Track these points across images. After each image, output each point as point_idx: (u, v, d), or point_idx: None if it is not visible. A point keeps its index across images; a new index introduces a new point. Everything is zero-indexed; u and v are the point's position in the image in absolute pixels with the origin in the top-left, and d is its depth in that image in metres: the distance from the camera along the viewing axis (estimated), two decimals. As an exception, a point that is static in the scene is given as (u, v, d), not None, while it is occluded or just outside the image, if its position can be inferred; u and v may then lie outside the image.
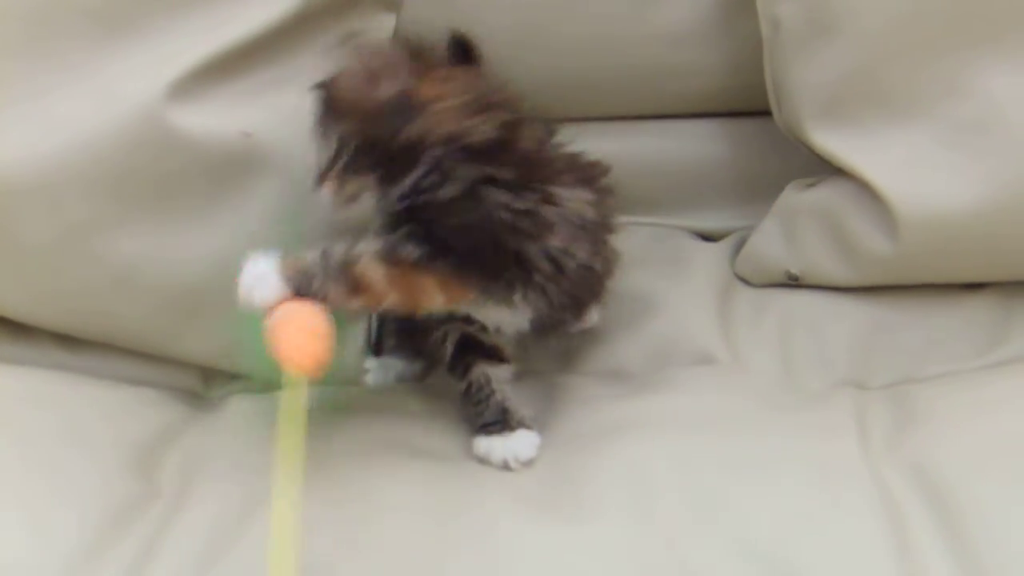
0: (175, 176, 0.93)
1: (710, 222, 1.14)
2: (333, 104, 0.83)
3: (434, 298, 0.83)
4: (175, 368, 1.01)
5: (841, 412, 0.91)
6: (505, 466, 0.87)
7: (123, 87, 0.92)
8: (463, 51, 0.98)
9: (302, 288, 0.79)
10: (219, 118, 0.93)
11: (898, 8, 0.94)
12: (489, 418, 0.90)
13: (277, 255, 0.80)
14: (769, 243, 1.06)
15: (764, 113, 1.06)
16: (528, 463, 0.87)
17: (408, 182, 0.81)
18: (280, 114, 0.95)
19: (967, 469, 0.82)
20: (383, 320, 1.04)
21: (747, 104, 1.10)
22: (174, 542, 0.81)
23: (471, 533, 0.79)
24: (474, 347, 0.92)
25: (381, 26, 1.03)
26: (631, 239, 1.09)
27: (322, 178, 0.84)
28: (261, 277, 0.80)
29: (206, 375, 1.02)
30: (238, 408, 0.97)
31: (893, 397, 0.94)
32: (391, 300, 0.82)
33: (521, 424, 0.89)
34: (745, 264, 1.08)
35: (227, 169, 0.94)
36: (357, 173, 0.83)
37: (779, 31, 1.00)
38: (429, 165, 0.80)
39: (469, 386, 0.91)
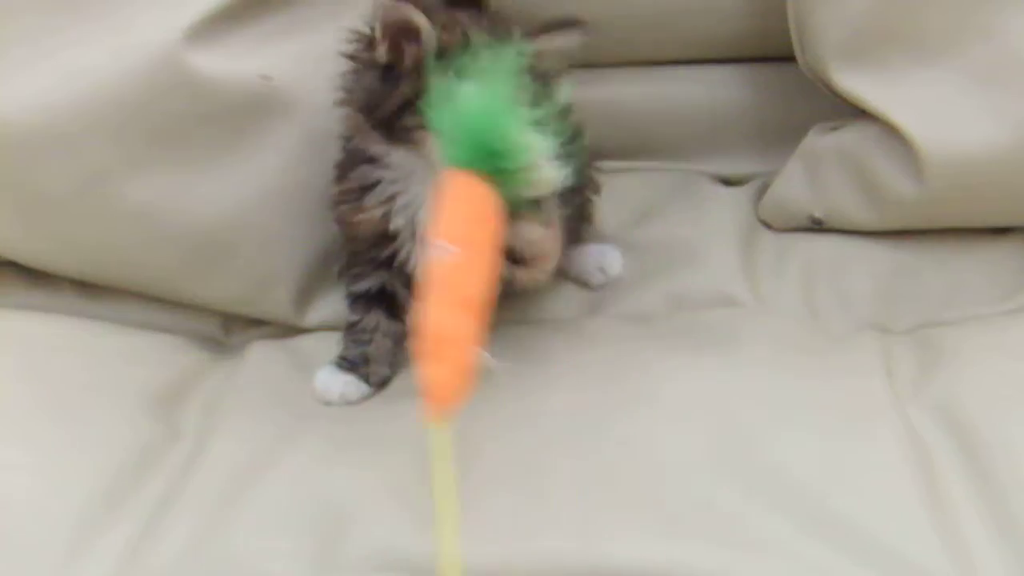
0: (194, 120, 0.93)
1: (733, 167, 1.13)
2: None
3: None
4: (195, 314, 1.01)
5: (867, 354, 0.91)
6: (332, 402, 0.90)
7: (140, 32, 0.91)
8: None
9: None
10: (238, 61, 0.93)
11: (925, -53, 0.93)
12: (349, 355, 0.92)
13: None
14: (792, 187, 1.05)
15: (787, 58, 1.05)
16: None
17: None
18: (299, 57, 0.95)
19: (992, 409, 0.82)
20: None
21: (770, 49, 1.09)
22: (196, 483, 0.81)
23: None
24: (383, 298, 0.93)
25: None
26: (653, 185, 1.10)
27: None
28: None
29: (226, 321, 1.02)
30: (258, 354, 0.96)
31: (918, 340, 0.93)
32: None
33: (364, 376, 0.91)
34: (768, 208, 1.07)
35: (247, 112, 0.94)
36: None
37: (802, -30, 0.99)
38: None
39: (354, 324, 0.93)
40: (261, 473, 0.81)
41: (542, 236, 0.86)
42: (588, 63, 1.11)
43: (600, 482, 0.78)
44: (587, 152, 0.96)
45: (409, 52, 0.82)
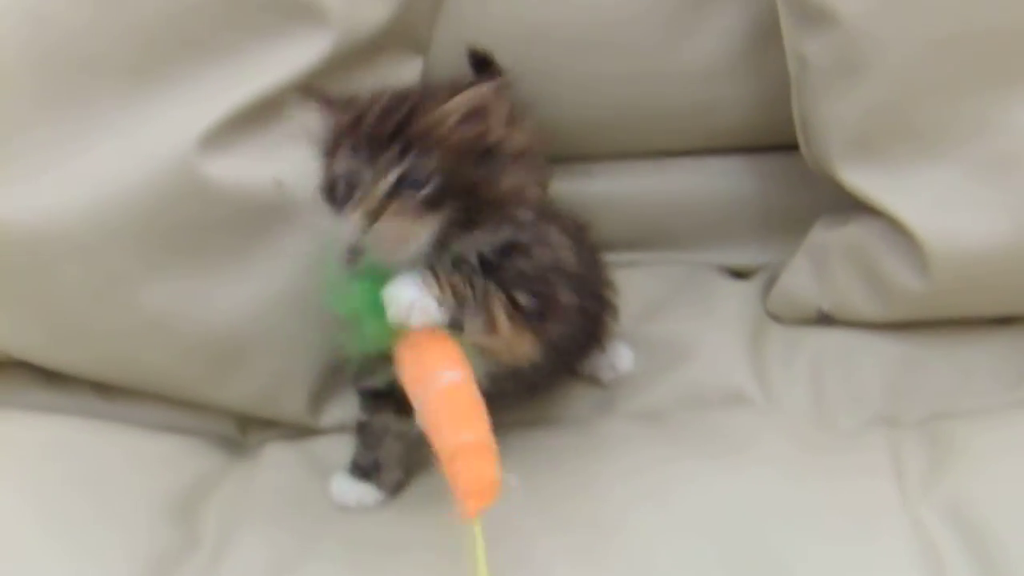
0: (208, 226, 0.94)
1: (739, 257, 1.14)
2: (411, 128, 0.77)
3: (529, 350, 0.82)
4: (211, 415, 1.02)
5: (876, 452, 0.91)
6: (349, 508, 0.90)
7: (155, 139, 0.92)
8: (482, 64, 1.00)
9: (455, 317, 0.77)
10: (251, 168, 0.94)
11: (925, 46, 0.94)
12: (362, 462, 0.91)
13: (418, 276, 0.77)
14: (800, 280, 1.06)
15: (792, 148, 1.06)
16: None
17: (504, 235, 0.80)
18: (311, 162, 0.96)
19: (1004, 508, 0.82)
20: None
21: (775, 139, 1.10)
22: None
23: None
24: (387, 397, 0.89)
25: (409, 70, 1.03)
26: (661, 278, 1.11)
27: (368, 204, 0.76)
28: (417, 300, 0.76)
29: (242, 422, 1.03)
30: (276, 455, 0.97)
31: (927, 434, 0.93)
32: (503, 347, 0.81)
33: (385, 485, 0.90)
34: (776, 302, 1.08)
35: (260, 218, 0.95)
36: (431, 209, 0.76)
37: (806, 69, 1.00)
38: (523, 222, 0.81)
39: (364, 427, 0.91)
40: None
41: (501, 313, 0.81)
42: (593, 155, 1.12)
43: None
44: (597, 250, 0.98)
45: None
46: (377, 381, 0.89)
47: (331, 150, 0.80)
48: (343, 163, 0.78)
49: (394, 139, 0.76)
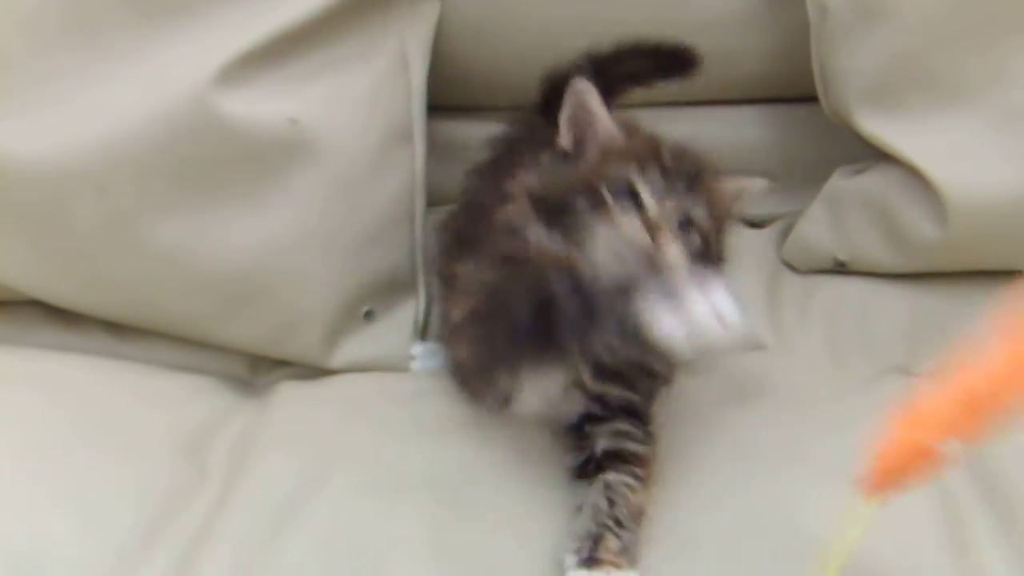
0: (222, 163, 0.93)
1: (757, 208, 1.13)
2: (700, 184, 0.80)
3: None
4: (222, 355, 1.01)
5: (890, 398, 0.91)
6: None
7: (170, 74, 0.92)
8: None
9: None
10: (266, 104, 0.93)
11: (945, -6, 0.94)
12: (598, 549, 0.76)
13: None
14: (816, 229, 1.06)
15: (809, 99, 1.06)
16: None
17: None
18: (328, 100, 0.96)
19: (1019, 456, 0.82)
20: (430, 306, 1.03)
21: (793, 90, 1.10)
22: (226, 526, 0.81)
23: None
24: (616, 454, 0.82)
25: (426, 14, 1.03)
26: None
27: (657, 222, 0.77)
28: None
29: (253, 362, 1.02)
30: (287, 394, 0.96)
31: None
32: None
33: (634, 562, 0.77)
34: (792, 250, 1.08)
35: (274, 156, 0.94)
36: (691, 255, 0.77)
37: (826, 17, 1.00)
38: None
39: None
40: (291, 517, 0.81)
41: None
42: (615, 104, 1.11)
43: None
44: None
45: (589, 143, 0.81)
46: None
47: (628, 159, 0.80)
48: (648, 181, 0.78)
49: (691, 183, 0.79)
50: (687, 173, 0.79)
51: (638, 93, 1.09)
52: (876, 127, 1.00)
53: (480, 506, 0.81)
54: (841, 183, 1.05)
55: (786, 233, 1.09)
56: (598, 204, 0.77)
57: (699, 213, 0.78)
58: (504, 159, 0.96)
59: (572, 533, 0.77)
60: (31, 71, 0.92)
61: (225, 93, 0.91)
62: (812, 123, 1.09)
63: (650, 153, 0.80)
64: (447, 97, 1.08)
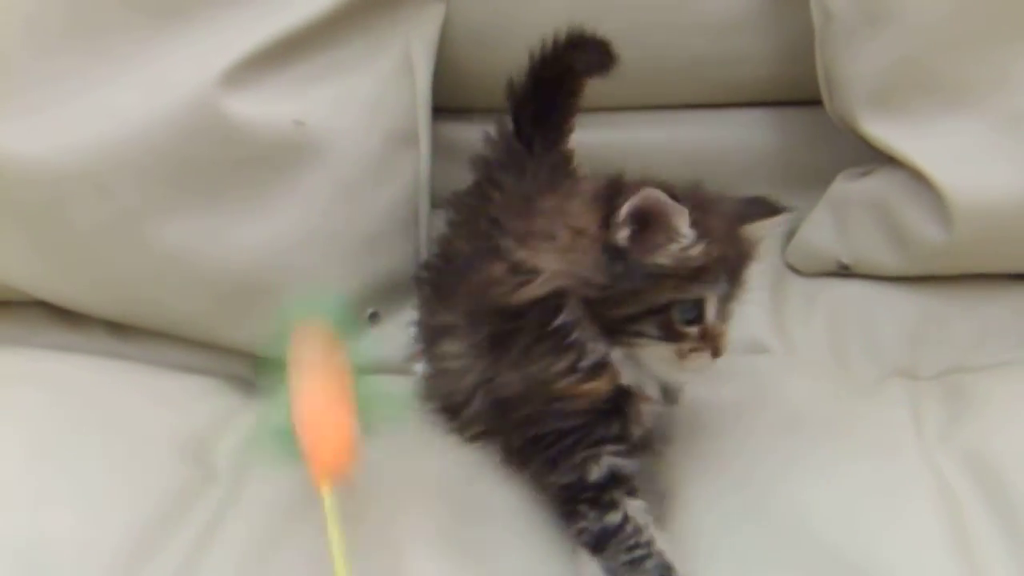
0: (227, 164, 0.94)
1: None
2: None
3: None
4: (226, 356, 1.01)
5: (895, 402, 0.91)
6: None
7: (174, 77, 0.92)
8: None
9: None
10: (272, 106, 0.94)
11: (950, -2, 0.94)
12: (652, 575, 0.76)
13: None
14: (820, 232, 1.05)
15: (813, 102, 1.06)
16: None
17: None
18: (333, 102, 0.96)
19: (1022, 457, 0.82)
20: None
21: (797, 93, 1.10)
22: (232, 527, 0.81)
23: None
24: (622, 479, 0.80)
25: (431, 16, 1.03)
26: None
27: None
28: None
29: (257, 362, 1.02)
30: (289, 395, 0.96)
31: (945, 387, 0.94)
32: None
33: None
34: (796, 253, 1.07)
35: (279, 157, 0.94)
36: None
37: (831, 20, 1.00)
38: None
39: (619, 529, 0.77)
40: (295, 517, 0.80)
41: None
42: (614, 107, 1.12)
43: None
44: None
45: (658, 248, 0.74)
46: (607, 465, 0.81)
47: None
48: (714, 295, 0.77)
49: (741, 261, 0.79)
50: (738, 253, 0.78)
51: (639, 96, 1.10)
52: (881, 130, 0.99)
53: (486, 505, 0.81)
54: (845, 186, 1.05)
55: (790, 236, 1.08)
56: (668, 327, 0.75)
57: (740, 287, 0.79)
58: (484, 192, 0.95)
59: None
60: (34, 73, 0.93)
61: (230, 95, 0.92)
62: (816, 126, 1.08)
63: (722, 262, 0.76)
64: (452, 99, 1.08)
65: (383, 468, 0.85)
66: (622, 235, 0.74)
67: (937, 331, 1.00)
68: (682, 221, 0.74)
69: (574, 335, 0.76)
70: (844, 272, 1.05)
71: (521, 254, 0.78)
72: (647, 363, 0.78)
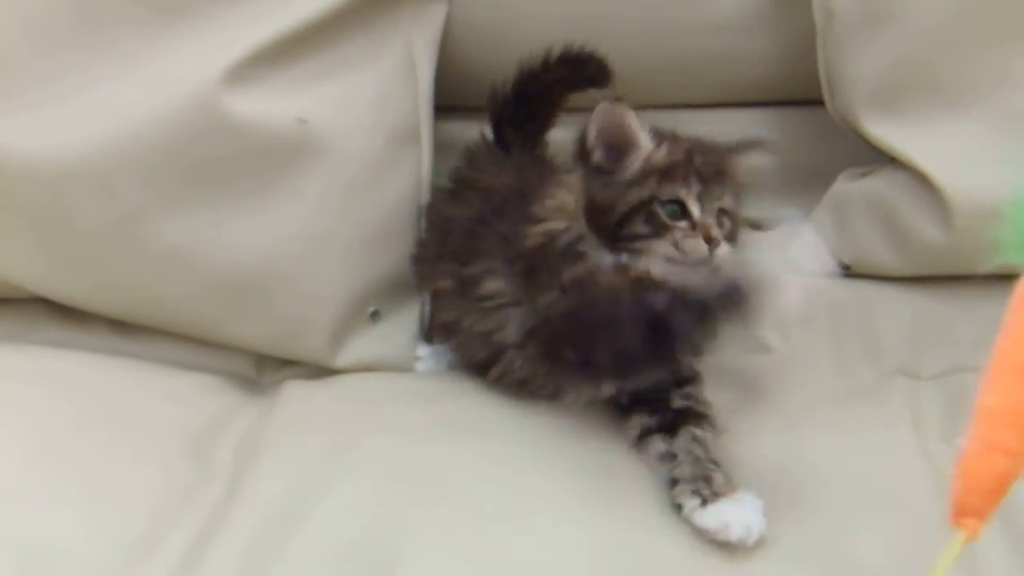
0: (229, 162, 0.94)
1: (761, 210, 1.13)
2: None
3: None
4: (228, 354, 1.02)
5: (895, 403, 0.92)
6: (742, 542, 0.78)
7: (177, 73, 0.92)
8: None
9: None
10: (274, 104, 0.94)
11: (951, -2, 0.94)
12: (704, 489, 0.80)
13: None
14: (821, 232, 1.05)
15: (815, 102, 1.06)
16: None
17: None
18: (335, 100, 0.96)
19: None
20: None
21: (798, 93, 1.10)
22: (234, 524, 0.81)
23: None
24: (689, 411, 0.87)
25: (433, 15, 1.03)
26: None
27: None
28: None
29: (259, 361, 1.03)
30: (291, 393, 0.96)
31: (946, 388, 0.94)
32: None
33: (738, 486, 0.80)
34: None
35: (281, 155, 0.94)
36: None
37: (833, 20, 1.00)
38: None
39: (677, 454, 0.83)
40: (297, 516, 0.80)
41: None
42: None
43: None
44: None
45: (628, 159, 0.86)
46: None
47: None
48: (692, 192, 0.85)
49: (718, 177, 0.87)
50: (714, 169, 0.86)
51: (640, 95, 1.10)
52: (882, 130, 1.00)
53: (488, 505, 0.81)
54: (846, 186, 1.05)
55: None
56: (654, 222, 0.84)
57: (728, 202, 0.87)
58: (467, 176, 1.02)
59: (674, 482, 0.81)
60: (36, 70, 0.93)
61: (232, 93, 0.92)
62: (818, 126, 1.09)
63: (687, 163, 0.86)
64: (454, 98, 1.08)
65: (387, 464, 0.86)
66: (597, 156, 0.86)
67: (937, 331, 1.00)
68: (641, 132, 0.86)
69: (579, 247, 0.85)
70: (845, 272, 1.05)
71: (534, 209, 0.88)
72: (657, 269, 0.83)
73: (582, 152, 0.87)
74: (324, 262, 0.97)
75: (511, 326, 0.88)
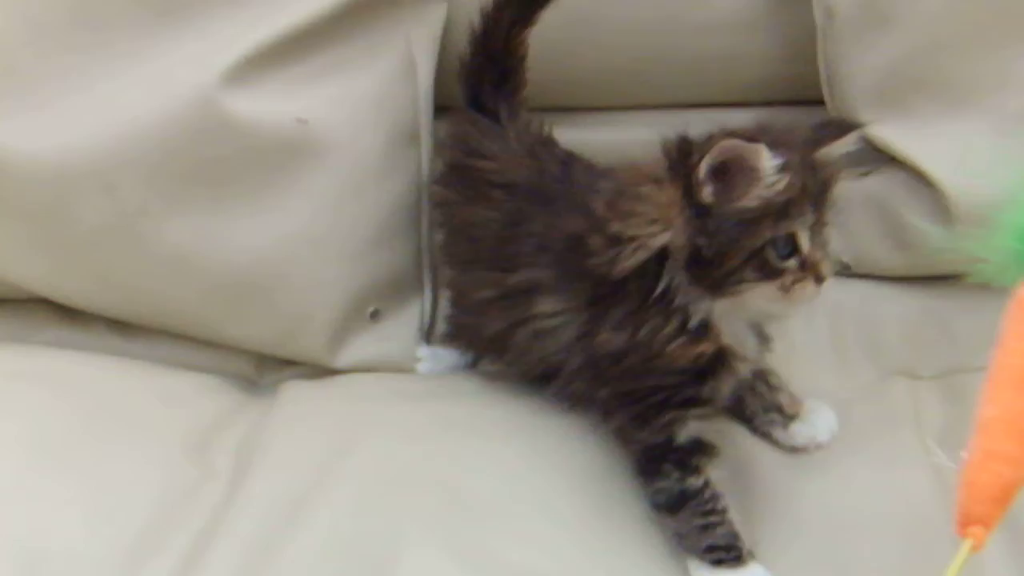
0: (229, 162, 0.94)
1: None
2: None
3: None
4: (228, 354, 1.02)
5: (896, 403, 0.92)
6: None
7: (178, 73, 0.92)
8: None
9: None
10: (274, 104, 0.94)
11: (952, -1, 0.94)
12: (720, 542, 0.78)
13: None
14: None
15: (814, 102, 1.06)
16: None
17: None
18: (336, 100, 0.96)
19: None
20: (435, 306, 1.04)
21: (797, 93, 1.10)
22: (232, 524, 0.82)
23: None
24: (706, 445, 0.82)
25: (433, 15, 1.03)
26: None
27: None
28: None
29: (259, 361, 1.03)
30: (292, 393, 0.97)
31: (946, 388, 0.94)
32: None
33: (750, 555, 0.78)
34: (796, 253, 1.07)
35: (281, 155, 0.95)
36: None
37: (833, 20, 0.99)
38: None
39: (698, 494, 0.79)
40: (297, 515, 0.81)
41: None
42: (614, 105, 1.12)
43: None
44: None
45: (743, 199, 0.74)
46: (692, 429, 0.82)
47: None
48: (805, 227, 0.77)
49: (823, 190, 0.79)
50: (823, 187, 0.79)
51: (640, 95, 1.10)
52: (882, 130, 0.99)
53: (487, 505, 0.81)
54: (845, 186, 1.05)
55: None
56: (765, 268, 0.76)
57: (830, 217, 0.79)
58: (469, 165, 0.96)
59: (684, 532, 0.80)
60: (37, 70, 0.93)
61: (232, 93, 0.92)
62: (817, 125, 1.08)
63: (803, 191, 0.76)
64: (454, 98, 1.08)
65: (388, 464, 0.86)
66: (706, 192, 0.75)
67: (937, 331, 1.00)
68: (761, 160, 0.73)
69: (678, 299, 0.77)
70: (845, 271, 1.05)
71: (616, 226, 0.78)
72: (753, 307, 0.78)
73: (686, 184, 0.75)
74: (324, 262, 0.97)
75: (568, 346, 0.85)
